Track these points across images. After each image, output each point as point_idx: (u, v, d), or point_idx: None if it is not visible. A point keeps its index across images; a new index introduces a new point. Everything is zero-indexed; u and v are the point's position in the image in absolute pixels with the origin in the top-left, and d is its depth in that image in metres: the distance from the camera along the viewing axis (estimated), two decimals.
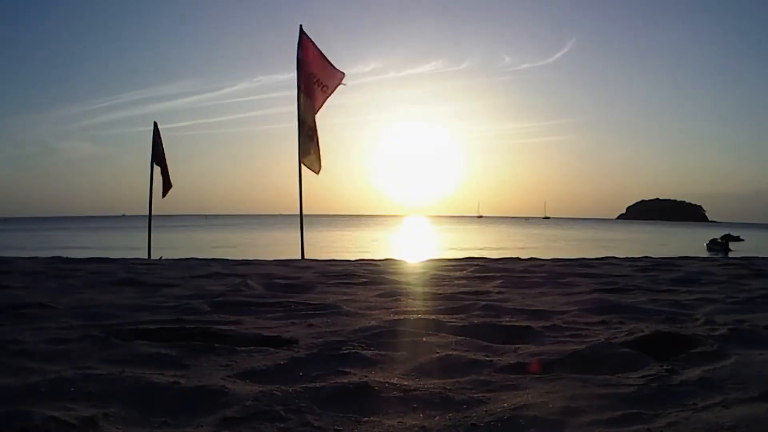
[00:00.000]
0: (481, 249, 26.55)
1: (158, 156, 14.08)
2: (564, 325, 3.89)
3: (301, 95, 12.04)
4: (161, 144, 14.17)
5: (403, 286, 6.32)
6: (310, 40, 12.13)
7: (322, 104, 12.10)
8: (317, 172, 12.18)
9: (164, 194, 14.24)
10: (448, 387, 2.53)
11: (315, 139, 12.03)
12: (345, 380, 2.59)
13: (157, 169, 14.08)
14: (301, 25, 12.20)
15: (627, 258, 12.78)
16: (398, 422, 2.16)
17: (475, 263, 10.07)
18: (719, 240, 29.67)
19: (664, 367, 2.77)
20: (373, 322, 3.89)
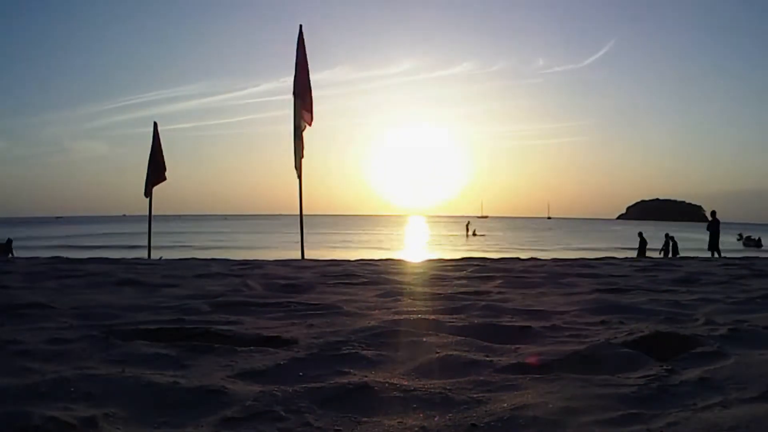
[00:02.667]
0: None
1: (153, 156, 14.18)
2: (564, 325, 3.89)
3: (297, 100, 11.99)
4: (159, 144, 14.26)
5: (403, 286, 6.32)
6: (304, 44, 12.12)
7: (310, 119, 12.05)
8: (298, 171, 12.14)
9: (147, 192, 14.31)
10: (448, 387, 2.53)
11: (301, 139, 12.00)
12: (345, 380, 2.59)
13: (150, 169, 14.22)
14: (300, 26, 12.16)
15: (627, 258, 12.79)
16: (398, 422, 2.16)
17: (475, 263, 10.07)
18: (753, 238, 33.15)
19: (664, 367, 2.76)
20: (373, 322, 3.89)
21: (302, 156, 11.99)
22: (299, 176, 12.04)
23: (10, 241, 22.84)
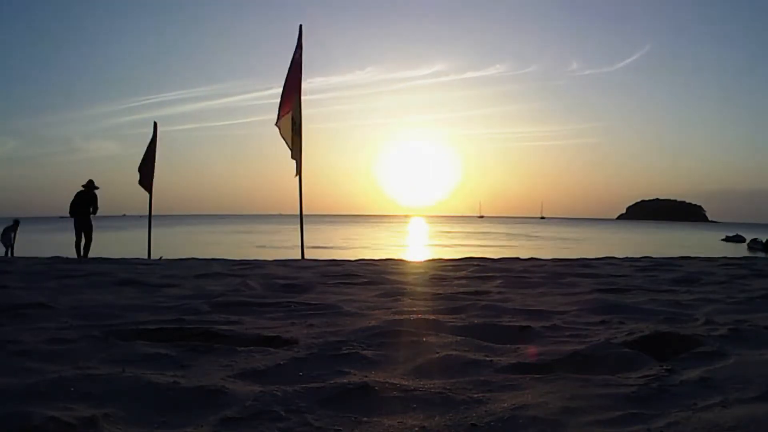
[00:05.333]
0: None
1: (148, 156, 14.26)
2: (564, 325, 3.89)
3: (295, 97, 11.99)
4: (154, 145, 14.31)
5: (403, 286, 6.32)
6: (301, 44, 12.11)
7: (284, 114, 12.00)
8: (296, 174, 12.09)
9: (149, 190, 14.39)
10: (448, 387, 2.53)
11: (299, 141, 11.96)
12: (345, 380, 2.59)
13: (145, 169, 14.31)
14: (300, 26, 12.17)
15: (627, 258, 12.78)
16: (398, 422, 2.16)
17: (475, 263, 10.07)
18: (763, 241, 32.46)
19: (664, 367, 2.76)
20: (373, 322, 3.89)
21: (300, 151, 11.96)
22: (300, 176, 12.05)
23: (17, 222, 21.61)
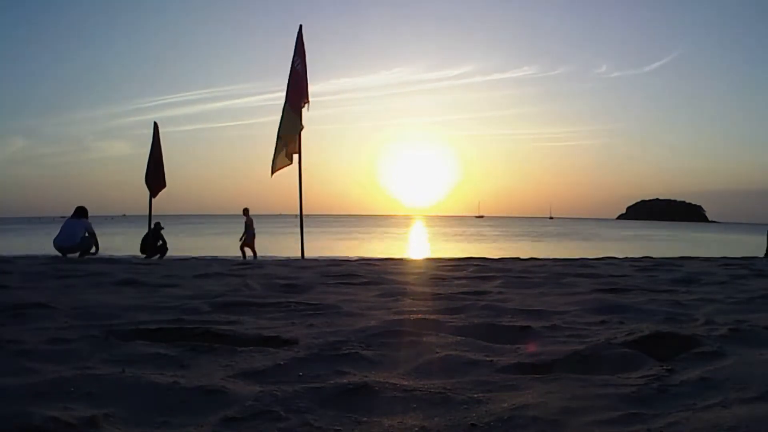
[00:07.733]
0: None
1: (153, 156, 14.18)
2: (564, 325, 3.89)
3: (286, 106, 11.82)
4: (159, 145, 14.25)
5: (403, 286, 6.32)
6: (303, 44, 11.94)
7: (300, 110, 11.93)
8: (271, 173, 12.02)
9: (154, 194, 14.25)
10: (448, 387, 2.53)
11: (285, 150, 11.84)
12: (345, 380, 2.58)
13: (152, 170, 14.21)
14: (300, 26, 12.01)
15: (627, 258, 12.79)
16: (398, 422, 2.16)
17: (475, 263, 10.08)
18: None
19: (664, 367, 2.76)
20: (373, 322, 3.89)
21: (290, 162, 11.91)
22: (300, 176, 12.04)
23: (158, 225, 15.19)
